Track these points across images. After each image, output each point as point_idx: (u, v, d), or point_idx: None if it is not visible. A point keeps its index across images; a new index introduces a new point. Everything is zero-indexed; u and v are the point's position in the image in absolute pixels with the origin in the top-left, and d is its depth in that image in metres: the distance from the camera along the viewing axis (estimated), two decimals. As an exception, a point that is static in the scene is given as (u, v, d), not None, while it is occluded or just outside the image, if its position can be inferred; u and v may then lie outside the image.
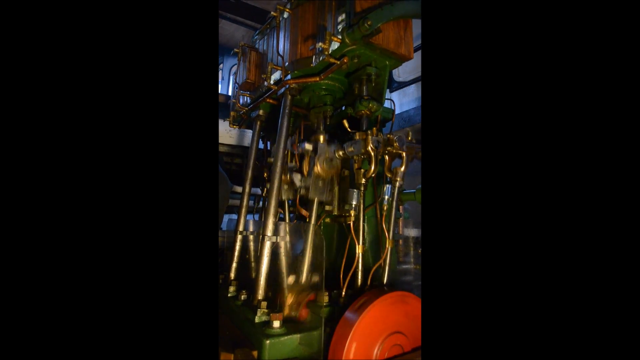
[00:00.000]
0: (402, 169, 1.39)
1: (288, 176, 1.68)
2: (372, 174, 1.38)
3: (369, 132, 1.37)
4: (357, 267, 1.38)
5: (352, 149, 1.41)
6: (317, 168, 1.47)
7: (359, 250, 1.38)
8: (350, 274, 1.36)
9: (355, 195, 1.41)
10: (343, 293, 1.33)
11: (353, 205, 1.40)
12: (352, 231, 1.39)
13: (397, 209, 1.45)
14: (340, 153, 1.48)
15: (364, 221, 1.44)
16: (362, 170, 1.43)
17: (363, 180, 1.42)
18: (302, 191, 1.58)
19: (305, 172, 1.56)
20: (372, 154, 1.35)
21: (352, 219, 1.40)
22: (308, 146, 1.55)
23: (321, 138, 1.53)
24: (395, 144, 1.35)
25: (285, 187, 1.70)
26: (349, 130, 1.51)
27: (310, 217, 1.53)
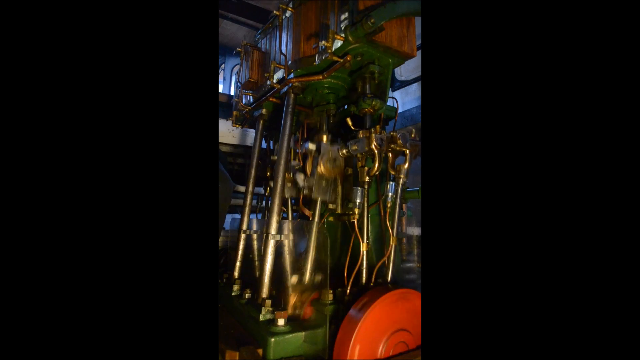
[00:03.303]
0: (406, 166, 1.39)
1: (291, 175, 1.69)
2: (376, 171, 1.38)
3: (372, 130, 1.37)
4: (361, 264, 1.38)
5: (356, 147, 1.42)
6: (321, 168, 1.47)
7: (363, 248, 1.38)
8: (354, 272, 1.36)
9: (359, 193, 1.41)
10: (348, 291, 1.33)
11: (357, 203, 1.40)
12: (357, 229, 1.40)
13: (401, 207, 1.45)
14: (344, 151, 1.48)
15: (367, 219, 1.44)
16: (365, 168, 1.43)
17: (367, 178, 1.42)
18: (306, 191, 1.58)
19: (308, 172, 1.56)
20: (376, 152, 1.35)
21: (357, 217, 1.40)
22: (311, 146, 1.55)
23: (324, 138, 1.53)
24: (398, 142, 1.35)
25: (289, 185, 1.70)
26: (352, 128, 1.51)
27: (313, 216, 1.54)
